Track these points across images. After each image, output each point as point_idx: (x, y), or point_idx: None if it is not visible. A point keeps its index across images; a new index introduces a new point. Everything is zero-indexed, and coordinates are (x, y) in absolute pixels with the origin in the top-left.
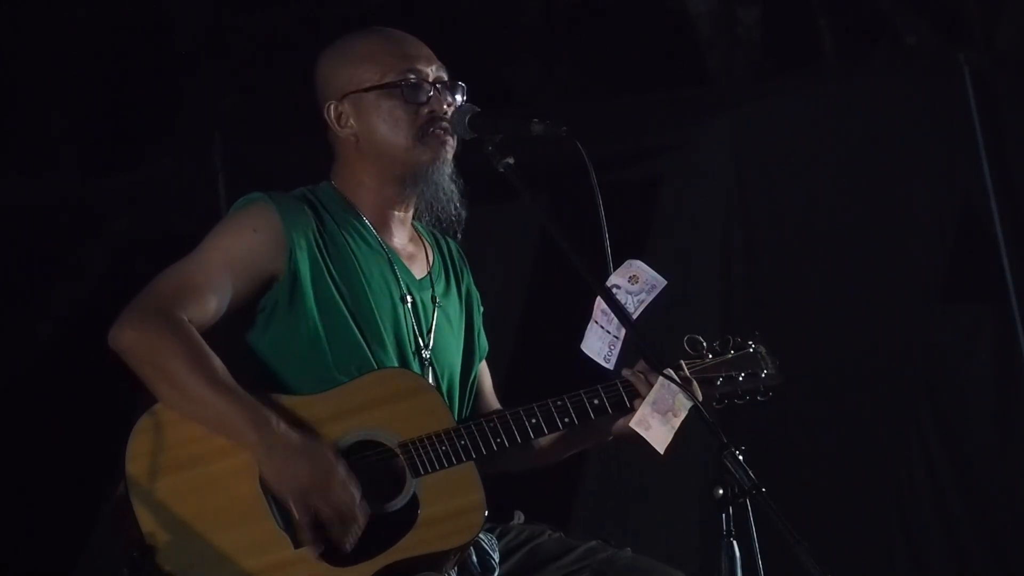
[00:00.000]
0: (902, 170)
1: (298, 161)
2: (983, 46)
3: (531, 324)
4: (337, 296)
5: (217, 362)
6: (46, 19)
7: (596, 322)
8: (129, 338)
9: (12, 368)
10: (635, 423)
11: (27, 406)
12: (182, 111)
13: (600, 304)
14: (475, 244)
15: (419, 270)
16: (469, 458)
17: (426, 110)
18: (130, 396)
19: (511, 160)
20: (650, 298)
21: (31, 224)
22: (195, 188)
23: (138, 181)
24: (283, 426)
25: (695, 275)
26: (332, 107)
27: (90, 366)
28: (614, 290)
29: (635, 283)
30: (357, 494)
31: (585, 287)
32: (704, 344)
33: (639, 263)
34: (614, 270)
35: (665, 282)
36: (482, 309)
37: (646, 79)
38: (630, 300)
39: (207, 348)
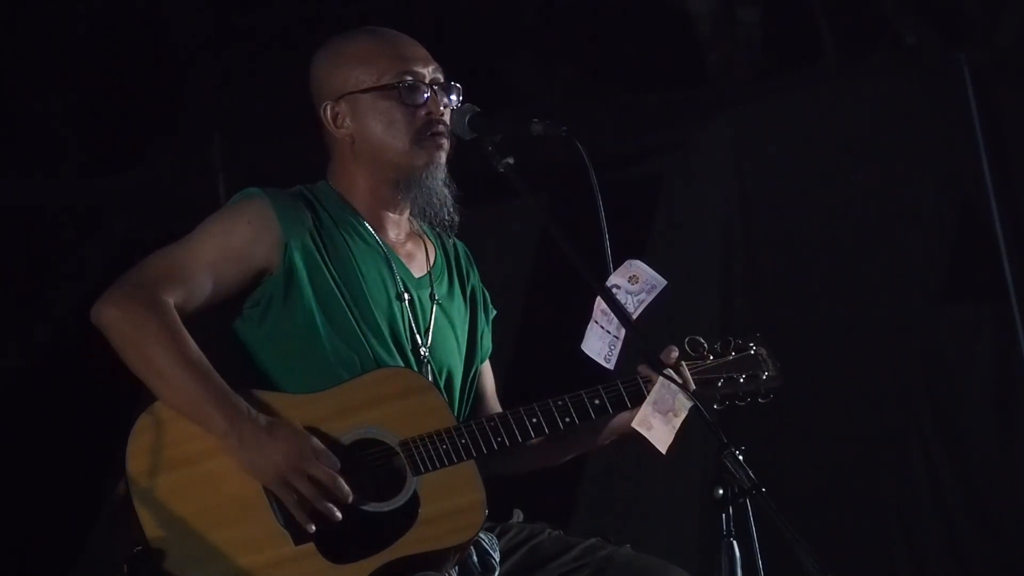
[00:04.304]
0: (902, 170)
1: (298, 161)
2: (983, 46)
3: (531, 324)
4: (336, 290)
5: (196, 349)
6: (46, 18)
7: (596, 322)
8: (110, 315)
9: (12, 368)
10: (637, 423)
11: (27, 406)
12: (182, 111)
13: (600, 304)
14: (475, 244)
15: (418, 269)
16: (470, 456)
17: (423, 111)
18: (130, 396)
19: (511, 160)
20: (650, 298)
21: (31, 224)
22: (195, 188)
23: (138, 181)
24: (254, 414)
25: (695, 275)
26: (328, 108)
27: (90, 366)
28: (614, 290)
29: (635, 283)
30: (336, 464)
31: (585, 287)
32: (705, 345)
33: (639, 263)
34: (614, 270)
35: (665, 282)
36: (495, 312)
37: (646, 79)
38: (630, 300)
39: (186, 333)
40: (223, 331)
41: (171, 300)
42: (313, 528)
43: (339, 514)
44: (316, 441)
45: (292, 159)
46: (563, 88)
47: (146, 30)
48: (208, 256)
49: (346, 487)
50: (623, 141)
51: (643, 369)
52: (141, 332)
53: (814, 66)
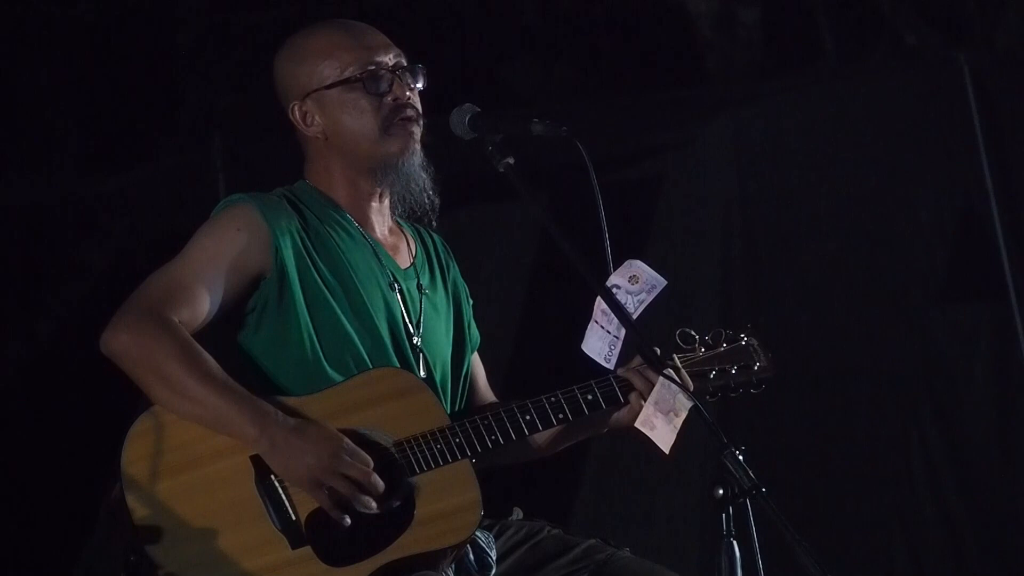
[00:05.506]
0: (902, 170)
1: (298, 160)
2: (983, 46)
3: (531, 324)
4: (325, 290)
5: (212, 361)
6: (46, 18)
7: (596, 322)
8: (122, 342)
9: (12, 368)
10: (640, 423)
11: (27, 406)
12: (182, 110)
13: (600, 304)
14: (475, 244)
15: (403, 260)
16: (464, 456)
17: (389, 98)
18: (130, 396)
19: (511, 160)
20: (650, 298)
21: (31, 224)
22: (195, 188)
23: (138, 181)
24: (282, 417)
25: (695, 274)
26: (296, 107)
27: (90, 366)
28: (614, 290)
29: (635, 283)
30: (368, 461)
31: (585, 287)
32: (696, 338)
33: (639, 263)
34: (614, 270)
35: (665, 282)
36: (472, 302)
37: (646, 79)
38: (630, 300)
39: (200, 348)
40: (222, 341)
41: (178, 318)
42: (348, 521)
43: (376, 508)
44: (348, 440)
45: (292, 159)
46: (563, 88)
47: (146, 29)
48: (205, 270)
49: (380, 482)
50: (623, 141)
51: (624, 372)
52: (155, 353)
53: (814, 66)
